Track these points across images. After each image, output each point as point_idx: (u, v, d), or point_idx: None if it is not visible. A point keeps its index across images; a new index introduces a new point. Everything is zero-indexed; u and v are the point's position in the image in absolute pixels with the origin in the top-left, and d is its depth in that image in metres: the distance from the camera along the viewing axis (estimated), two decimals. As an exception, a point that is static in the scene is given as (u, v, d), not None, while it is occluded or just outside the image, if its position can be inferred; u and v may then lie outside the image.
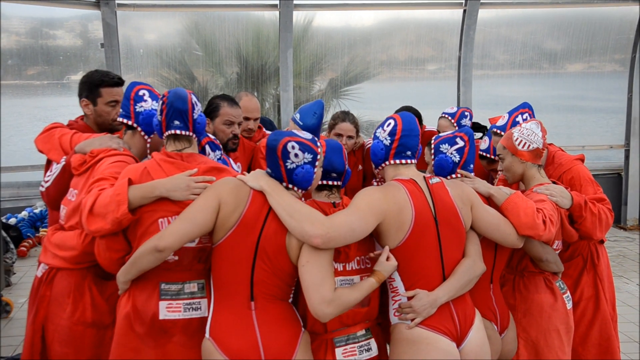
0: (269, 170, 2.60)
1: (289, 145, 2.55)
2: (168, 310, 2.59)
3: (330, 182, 2.74)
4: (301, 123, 3.87)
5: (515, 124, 3.49)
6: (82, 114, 3.44)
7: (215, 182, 2.60)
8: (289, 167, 2.56)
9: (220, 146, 3.24)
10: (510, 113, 3.56)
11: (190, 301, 2.63)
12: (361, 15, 8.73)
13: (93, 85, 3.28)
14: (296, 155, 2.55)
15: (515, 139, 3.16)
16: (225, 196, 2.51)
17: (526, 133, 3.14)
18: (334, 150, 2.74)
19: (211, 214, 2.49)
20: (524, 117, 3.51)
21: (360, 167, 4.35)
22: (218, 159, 3.13)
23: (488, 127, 3.93)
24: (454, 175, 2.97)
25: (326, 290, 2.42)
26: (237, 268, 2.51)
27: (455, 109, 4.22)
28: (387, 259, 2.58)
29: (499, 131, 3.56)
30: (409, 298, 2.61)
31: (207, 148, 3.14)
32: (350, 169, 4.25)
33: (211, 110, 3.60)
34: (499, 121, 3.60)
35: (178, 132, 2.71)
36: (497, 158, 3.40)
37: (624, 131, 9.02)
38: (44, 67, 8.14)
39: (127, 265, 2.57)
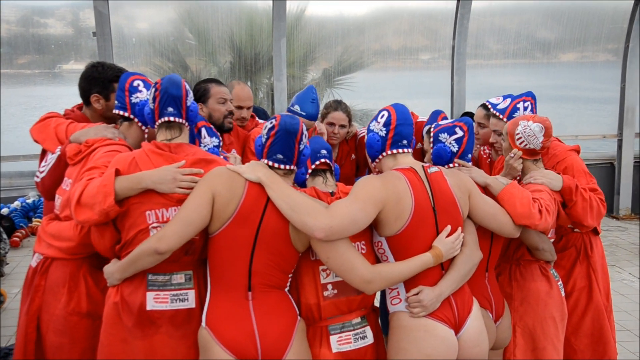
0: (279, 155, 2.58)
1: (304, 127, 2.62)
2: (155, 301, 2.59)
3: (322, 161, 2.78)
4: (304, 113, 3.86)
5: (515, 109, 3.50)
6: (76, 103, 3.41)
7: (206, 175, 2.58)
8: (300, 148, 2.60)
9: (219, 134, 3.24)
10: (513, 98, 3.56)
11: (177, 292, 2.62)
12: (354, 5, 8.70)
13: (107, 81, 3.25)
14: (305, 136, 2.63)
15: (516, 133, 3.17)
16: (219, 188, 2.50)
17: (527, 133, 3.14)
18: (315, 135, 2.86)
19: (206, 209, 2.49)
20: (526, 105, 3.50)
21: (353, 156, 4.35)
22: (215, 146, 3.13)
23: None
24: (451, 165, 2.97)
25: (360, 272, 2.49)
26: (235, 258, 2.52)
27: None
28: (448, 235, 2.63)
29: (498, 114, 3.55)
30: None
31: (204, 131, 3.14)
32: (343, 158, 4.28)
33: (201, 94, 3.59)
34: (500, 104, 3.59)
35: (172, 119, 2.69)
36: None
37: (617, 121, 9.06)
38: (35, 56, 8.08)
39: (125, 264, 2.56)
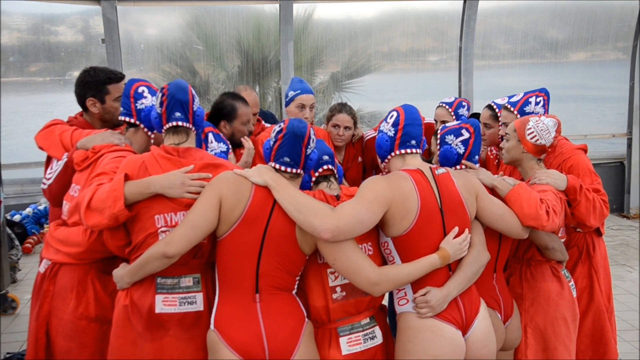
0: (286, 158, 2.60)
1: (312, 132, 2.63)
2: (164, 304, 2.61)
3: (326, 167, 2.80)
4: (298, 91, 3.99)
5: (526, 103, 3.50)
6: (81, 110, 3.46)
7: (214, 179, 2.61)
8: (307, 153, 2.62)
9: (227, 141, 3.27)
10: (526, 93, 3.56)
11: (185, 295, 2.64)
12: (361, 7, 8.71)
13: (100, 84, 3.30)
14: (314, 140, 2.65)
15: (528, 127, 3.15)
16: (226, 192, 2.52)
17: (540, 127, 3.13)
18: (317, 140, 2.87)
19: (213, 213, 2.51)
20: (538, 100, 3.50)
21: (359, 158, 4.37)
22: (223, 152, 3.15)
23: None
24: (458, 167, 2.98)
25: (367, 274, 2.49)
26: (243, 261, 2.53)
27: (452, 99, 4.23)
28: (456, 236, 2.64)
29: (509, 106, 3.56)
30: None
31: (210, 136, 3.16)
32: (349, 160, 4.30)
33: (227, 113, 3.58)
34: (513, 97, 3.60)
35: (180, 123, 2.71)
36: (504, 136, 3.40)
37: (627, 120, 9.02)
38: (46, 63, 8.15)
39: (134, 268, 2.59)
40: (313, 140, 2.64)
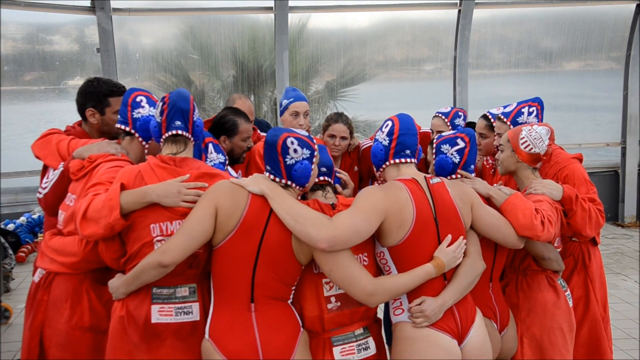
0: (268, 167, 2.61)
1: (289, 140, 2.58)
2: (160, 314, 2.60)
3: (322, 178, 2.80)
4: (292, 99, 3.99)
5: (519, 114, 3.50)
6: (79, 119, 3.44)
7: (210, 188, 2.60)
8: (288, 162, 2.58)
9: (225, 153, 3.28)
10: (519, 102, 3.57)
11: (181, 305, 2.63)
12: (356, 17, 8.75)
13: (101, 95, 3.29)
14: (295, 150, 2.58)
15: (521, 137, 3.16)
16: (222, 201, 2.52)
17: (533, 136, 3.14)
18: (319, 148, 2.83)
19: (209, 222, 2.51)
20: (530, 110, 3.51)
21: (356, 168, 4.37)
22: (221, 163, 3.16)
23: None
24: (454, 176, 2.98)
25: (363, 285, 2.49)
26: (238, 270, 2.53)
27: (449, 109, 4.26)
28: (449, 245, 2.64)
29: (502, 117, 3.56)
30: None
31: (210, 147, 3.17)
32: (345, 170, 4.30)
33: (229, 129, 3.58)
34: (506, 107, 3.61)
35: (180, 132, 2.71)
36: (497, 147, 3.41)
37: (620, 129, 9.06)
38: (40, 72, 8.16)
39: (129, 278, 2.58)
40: (294, 151, 2.58)
